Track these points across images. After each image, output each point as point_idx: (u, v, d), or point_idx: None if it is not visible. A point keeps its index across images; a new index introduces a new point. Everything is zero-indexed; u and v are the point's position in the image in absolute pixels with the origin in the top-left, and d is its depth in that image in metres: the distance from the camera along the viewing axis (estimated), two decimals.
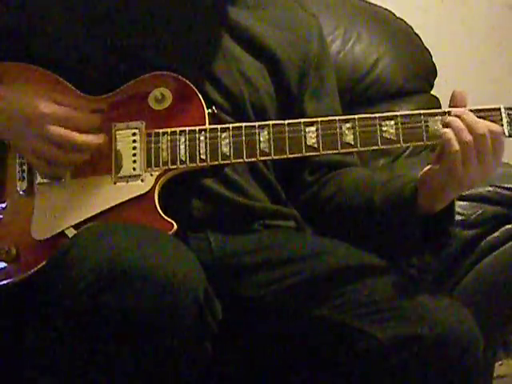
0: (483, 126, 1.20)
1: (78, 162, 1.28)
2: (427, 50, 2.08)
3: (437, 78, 2.11)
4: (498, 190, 1.56)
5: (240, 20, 1.41)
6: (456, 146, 1.18)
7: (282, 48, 1.43)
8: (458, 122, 1.20)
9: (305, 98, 1.46)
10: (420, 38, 2.09)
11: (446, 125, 1.21)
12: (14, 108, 1.28)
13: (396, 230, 1.32)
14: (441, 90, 2.09)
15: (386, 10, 2.11)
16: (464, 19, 2.49)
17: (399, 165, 1.82)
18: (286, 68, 1.43)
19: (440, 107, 2.05)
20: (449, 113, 1.23)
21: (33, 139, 1.26)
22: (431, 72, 2.10)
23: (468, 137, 1.19)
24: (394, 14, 2.11)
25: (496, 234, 1.56)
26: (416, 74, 2.06)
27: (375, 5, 2.13)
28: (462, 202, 1.55)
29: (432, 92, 2.10)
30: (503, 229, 1.56)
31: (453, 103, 1.24)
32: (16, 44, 1.38)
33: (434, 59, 2.09)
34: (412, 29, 2.09)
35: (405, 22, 2.10)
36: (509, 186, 1.56)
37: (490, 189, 1.56)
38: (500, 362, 2.22)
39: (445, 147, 1.20)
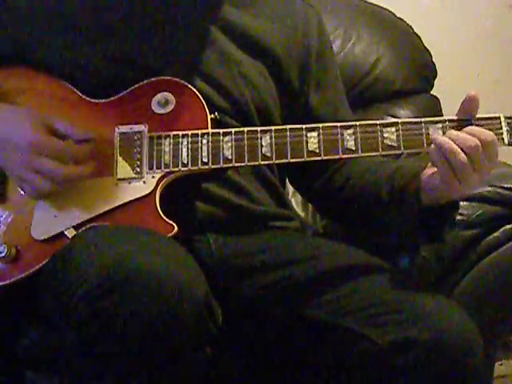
0: (473, 138, 1.18)
1: (60, 189, 1.27)
2: (427, 50, 2.08)
3: (437, 78, 2.10)
4: (498, 189, 1.56)
5: (237, 20, 1.41)
6: (452, 177, 1.18)
7: (281, 45, 1.43)
8: (448, 144, 1.19)
9: (309, 90, 1.47)
10: (420, 38, 2.09)
11: (437, 146, 1.20)
12: (2, 131, 1.27)
13: (402, 221, 1.32)
14: (441, 90, 2.09)
15: (386, 10, 2.11)
16: (464, 19, 2.49)
17: None
18: (286, 65, 1.43)
19: (440, 107, 2.06)
20: (450, 121, 1.24)
21: (18, 166, 1.25)
22: (431, 72, 2.10)
23: (462, 158, 1.17)
24: (394, 14, 2.11)
25: (496, 233, 1.56)
26: (416, 73, 2.06)
27: (375, 5, 2.13)
28: (462, 202, 1.54)
29: (432, 92, 2.10)
30: (503, 229, 1.56)
31: (464, 105, 1.22)
32: (20, 53, 1.38)
33: (434, 59, 2.09)
34: (412, 29, 2.09)
35: (405, 22, 2.10)
36: (509, 185, 1.56)
37: (490, 189, 1.56)
38: (500, 362, 2.23)
39: (440, 174, 1.20)
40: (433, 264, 1.56)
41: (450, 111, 1.26)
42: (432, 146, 1.21)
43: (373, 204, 1.37)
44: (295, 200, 1.88)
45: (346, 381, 1.23)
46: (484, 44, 2.51)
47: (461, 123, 1.23)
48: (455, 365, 1.16)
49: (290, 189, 1.78)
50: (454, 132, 1.21)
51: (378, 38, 2.04)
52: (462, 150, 1.18)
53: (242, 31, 1.41)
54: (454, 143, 1.18)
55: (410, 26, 2.10)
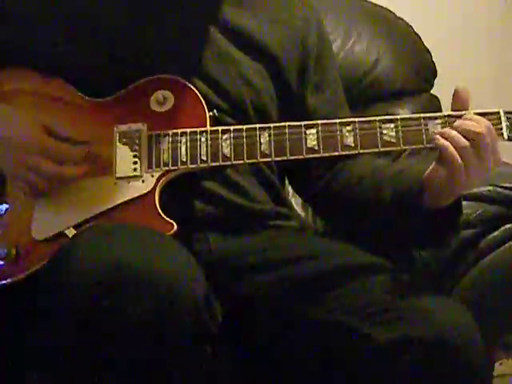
0: (476, 125, 1.21)
1: (55, 189, 1.28)
2: (427, 50, 2.09)
3: (437, 78, 2.11)
4: (498, 189, 1.56)
5: (236, 20, 1.41)
6: (458, 160, 1.19)
7: (280, 46, 1.43)
8: (450, 131, 1.21)
9: (307, 92, 1.47)
10: (420, 38, 2.09)
11: (442, 136, 1.22)
12: (0, 131, 1.27)
13: (404, 224, 1.33)
14: (441, 90, 2.09)
15: (386, 9, 2.11)
16: (464, 19, 2.50)
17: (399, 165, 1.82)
18: (285, 66, 1.43)
19: (440, 107, 2.06)
20: (449, 116, 1.24)
21: (14, 164, 1.26)
22: (431, 72, 2.10)
23: (465, 142, 1.19)
24: (394, 14, 2.11)
25: (496, 233, 1.56)
26: (416, 73, 2.06)
27: (375, 5, 2.13)
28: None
29: (432, 92, 2.10)
30: (503, 228, 1.56)
31: (455, 100, 1.24)
32: (19, 53, 1.38)
33: (434, 59, 2.09)
34: (412, 29, 2.09)
35: (405, 21, 2.10)
36: (509, 185, 1.56)
37: (490, 188, 1.56)
38: (500, 362, 2.22)
39: (446, 161, 1.21)
40: (433, 264, 1.56)
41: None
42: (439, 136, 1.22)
43: (374, 207, 1.37)
44: (295, 200, 1.88)
45: (346, 380, 1.22)
46: (484, 44, 2.51)
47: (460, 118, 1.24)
48: (455, 364, 1.16)
49: (290, 189, 1.78)
50: (457, 122, 1.22)
51: (377, 37, 2.05)
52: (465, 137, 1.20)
53: (240, 31, 1.41)
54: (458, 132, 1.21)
55: (410, 26, 2.10)
